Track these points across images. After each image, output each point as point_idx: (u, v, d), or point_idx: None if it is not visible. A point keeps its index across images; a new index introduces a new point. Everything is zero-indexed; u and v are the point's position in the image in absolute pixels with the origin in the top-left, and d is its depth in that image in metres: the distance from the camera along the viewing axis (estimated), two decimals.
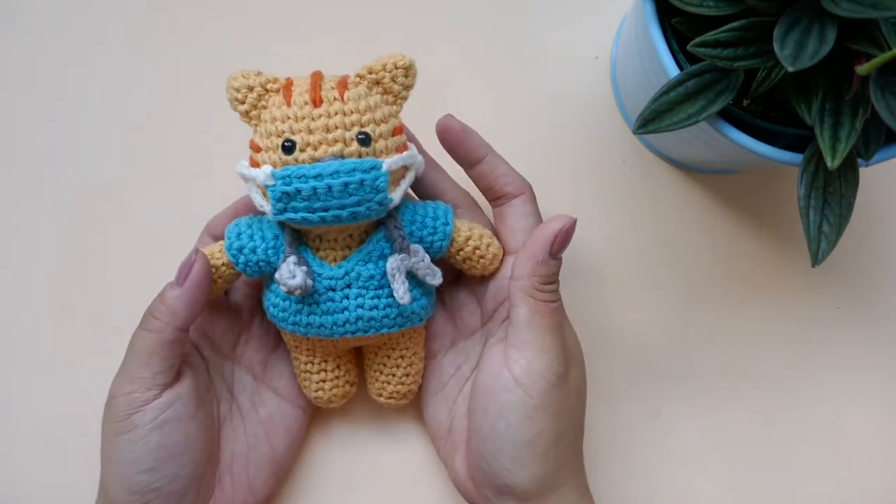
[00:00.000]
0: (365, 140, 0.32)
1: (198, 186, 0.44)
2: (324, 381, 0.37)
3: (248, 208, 0.37)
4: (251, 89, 0.33)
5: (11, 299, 0.43)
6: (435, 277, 0.35)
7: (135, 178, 0.44)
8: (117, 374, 0.34)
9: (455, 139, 0.36)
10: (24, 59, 0.46)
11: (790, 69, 0.29)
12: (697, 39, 0.32)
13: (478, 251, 0.36)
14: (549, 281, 0.34)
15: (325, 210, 0.32)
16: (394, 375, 0.38)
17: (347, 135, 0.32)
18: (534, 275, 0.34)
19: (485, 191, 0.37)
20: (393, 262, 0.33)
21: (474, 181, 0.37)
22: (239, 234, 0.34)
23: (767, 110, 0.36)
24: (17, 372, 0.42)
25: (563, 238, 0.34)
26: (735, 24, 0.31)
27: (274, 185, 0.31)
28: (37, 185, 0.44)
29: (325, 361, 0.37)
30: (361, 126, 0.32)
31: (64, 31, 0.46)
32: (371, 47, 0.45)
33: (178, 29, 0.46)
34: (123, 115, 0.45)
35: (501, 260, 0.37)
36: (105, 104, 0.45)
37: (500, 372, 0.34)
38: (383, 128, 0.33)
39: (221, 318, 0.38)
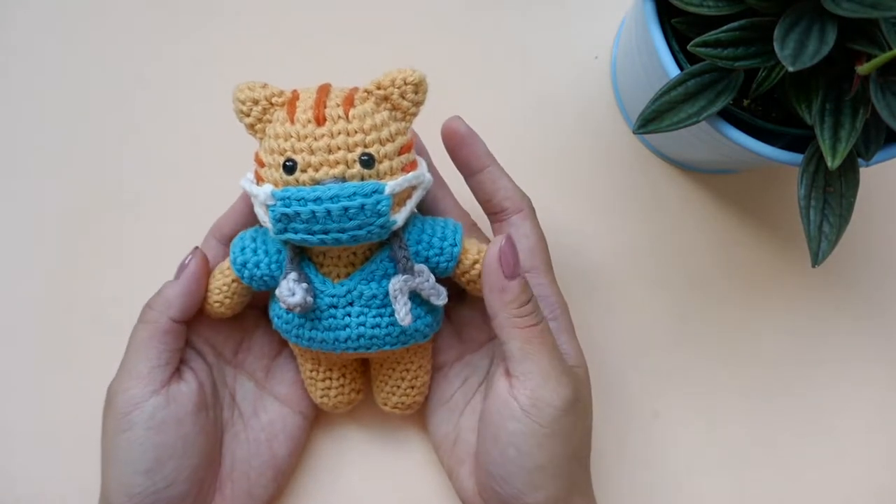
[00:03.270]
0: (368, 162, 0.31)
1: (199, 186, 0.44)
2: (328, 388, 0.37)
3: (251, 207, 0.37)
4: (256, 102, 0.32)
5: (10, 299, 0.43)
6: (440, 298, 0.34)
7: (135, 178, 0.44)
8: (117, 373, 0.34)
9: (459, 143, 0.35)
10: (25, 58, 0.46)
11: (790, 69, 0.29)
12: (697, 39, 0.32)
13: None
14: (522, 304, 0.33)
15: (325, 233, 0.31)
16: (398, 387, 0.38)
17: (350, 156, 0.31)
18: (504, 305, 0.33)
19: (483, 203, 0.37)
20: (395, 283, 0.33)
21: (473, 191, 0.37)
22: (243, 249, 0.34)
23: (767, 110, 0.36)
24: (17, 371, 0.42)
25: (507, 258, 0.32)
26: (735, 24, 0.31)
27: (274, 206, 0.31)
28: (36, 185, 0.44)
29: (331, 370, 0.37)
30: (365, 147, 0.31)
31: (66, 28, 0.46)
32: (370, 47, 0.45)
33: (184, 27, 0.46)
34: (125, 114, 0.45)
35: None
36: (107, 103, 0.45)
37: (506, 401, 0.33)
38: (389, 147, 0.32)
39: (224, 324, 0.38)
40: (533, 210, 0.36)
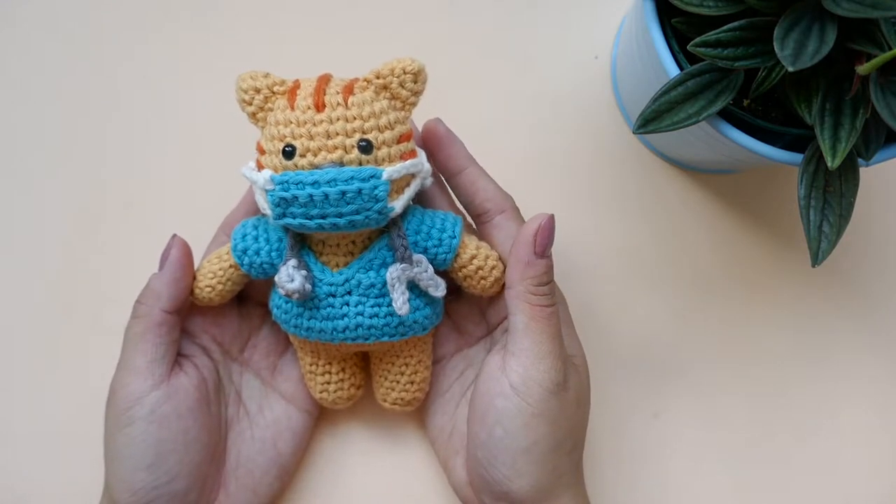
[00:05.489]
0: (366, 147, 0.31)
1: (198, 185, 0.44)
2: (328, 383, 0.37)
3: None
4: (258, 91, 0.33)
5: (12, 298, 0.43)
6: (438, 289, 0.34)
7: (135, 178, 0.44)
8: (116, 370, 0.34)
9: (437, 145, 0.36)
10: (25, 57, 0.46)
11: (790, 69, 0.29)
12: (698, 39, 0.32)
13: (480, 272, 0.35)
14: (541, 283, 0.33)
15: (323, 217, 0.31)
16: (398, 382, 0.38)
17: (348, 142, 0.31)
18: (524, 278, 0.33)
19: (466, 205, 0.37)
20: (393, 272, 0.33)
21: (454, 192, 0.37)
22: (244, 236, 0.34)
23: (767, 110, 0.36)
24: (17, 371, 0.42)
25: (544, 235, 0.33)
26: (735, 23, 0.31)
27: (273, 190, 0.31)
28: (36, 185, 0.44)
29: (330, 364, 0.37)
30: (364, 133, 0.31)
31: (66, 26, 0.46)
32: (370, 46, 0.45)
33: (187, 25, 0.46)
34: (127, 112, 0.45)
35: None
36: (106, 103, 0.45)
37: (498, 379, 0.33)
38: (387, 135, 0.32)
39: (231, 322, 0.38)
40: (516, 210, 0.36)
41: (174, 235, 0.35)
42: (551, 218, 0.34)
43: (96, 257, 0.43)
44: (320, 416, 0.41)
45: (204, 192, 0.42)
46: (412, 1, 0.46)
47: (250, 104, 0.33)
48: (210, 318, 0.37)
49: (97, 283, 0.43)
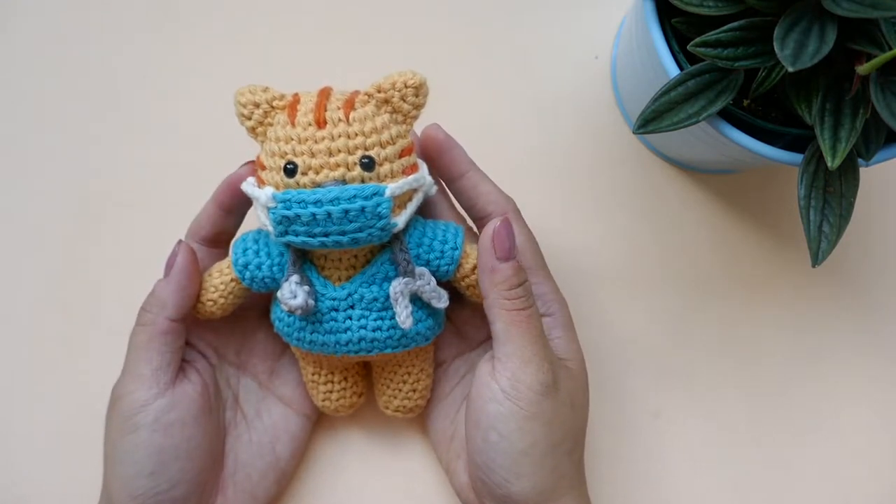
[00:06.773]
0: (368, 164, 0.31)
1: (199, 187, 0.44)
2: (330, 391, 0.37)
3: (222, 205, 0.36)
4: (257, 106, 0.32)
5: (12, 299, 0.43)
6: (441, 301, 0.34)
7: (135, 178, 0.44)
8: (120, 376, 0.34)
9: (437, 150, 0.35)
10: (24, 56, 0.46)
11: (790, 69, 0.29)
12: (698, 39, 0.32)
13: None
14: (512, 286, 0.33)
15: (326, 235, 0.31)
16: (400, 390, 0.37)
17: (350, 159, 0.31)
18: (493, 286, 0.33)
19: (467, 209, 0.37)
20: (396, 286, 0.33)
21: (456, 197, 0.37)
22: (245, 250, 0.34)
23: (767, 110, 0.36)
24: (17, 371, 0.42)
25: (500, 239, 0.33)
26: (735, 23, 0.31)
27: (274, 208, 0.31)
28: (37, 185, 0.44)
29: (332, 373, 0.37)
30: (366, 150, 0.31)
31: (65, 29, 0.46)
32: (370, 48, 0.45)
33: (184, 28, 0.46)
34: (126, 114, 0.45)
35: None
36: (107, 104, 0.45)
37: (488, 384, 0.33)
38: (389, 150, 0.32)
39: (225, 326, 0.38)
40: (518, 212, 0.36)
41: (179, 241, 0.35)
42: (505, 220, 0.33)
43: (96, 257, 0.43)
44: (320, 421, 0.41)
45: (205, 192, 0.42)
46: (412, 1, 0.46)
47: (249, 119, 0.33)
48: (205, 322, 0.37)
49: (97, 283, 0.43)
